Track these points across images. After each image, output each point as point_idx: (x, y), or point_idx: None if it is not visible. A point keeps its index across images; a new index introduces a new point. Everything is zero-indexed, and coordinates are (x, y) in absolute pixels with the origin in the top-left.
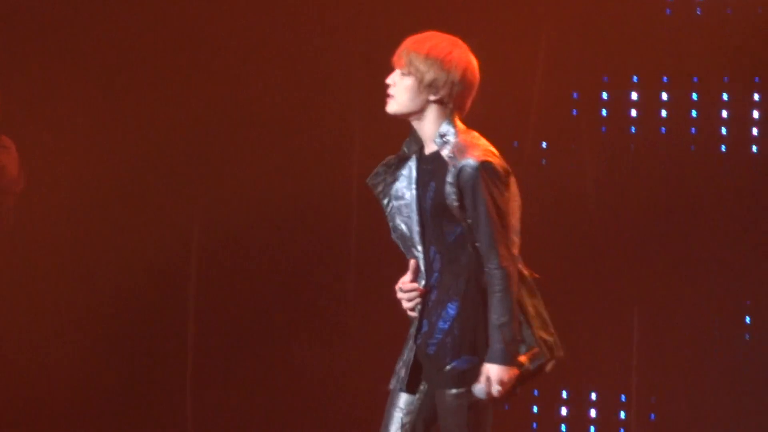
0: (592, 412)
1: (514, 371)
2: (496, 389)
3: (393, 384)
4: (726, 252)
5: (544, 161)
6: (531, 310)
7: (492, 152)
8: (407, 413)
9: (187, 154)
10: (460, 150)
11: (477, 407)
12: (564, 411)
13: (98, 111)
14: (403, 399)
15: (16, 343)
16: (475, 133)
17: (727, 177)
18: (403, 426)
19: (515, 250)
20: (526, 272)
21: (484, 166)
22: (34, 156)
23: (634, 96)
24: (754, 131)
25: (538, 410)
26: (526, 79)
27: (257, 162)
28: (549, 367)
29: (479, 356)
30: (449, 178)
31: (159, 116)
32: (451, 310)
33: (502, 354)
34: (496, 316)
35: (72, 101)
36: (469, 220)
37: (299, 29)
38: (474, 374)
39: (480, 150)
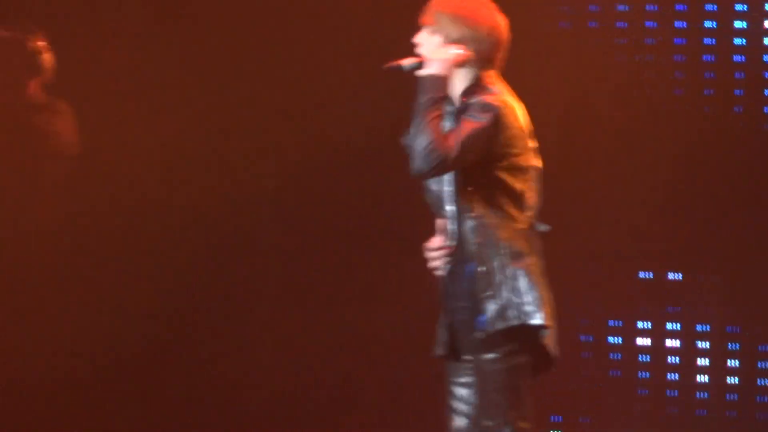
0: None
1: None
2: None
3: (437, 351)
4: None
5: None
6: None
7: (505, 102)
8: (462, 385)
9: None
10: (478, 94)
11: (513, 371)
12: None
13: (166, 74)
14: (454, 369)
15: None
16: (504, 89)
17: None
18: (461, 398)
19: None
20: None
21: (485, 105)
22: (97, 122)
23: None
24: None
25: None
26: None
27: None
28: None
29: (519, 319)
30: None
31: (226, 77)
32: (470, 269)
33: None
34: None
35: (136, 66)
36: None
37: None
38: (505, 337)
39: (493, 96)
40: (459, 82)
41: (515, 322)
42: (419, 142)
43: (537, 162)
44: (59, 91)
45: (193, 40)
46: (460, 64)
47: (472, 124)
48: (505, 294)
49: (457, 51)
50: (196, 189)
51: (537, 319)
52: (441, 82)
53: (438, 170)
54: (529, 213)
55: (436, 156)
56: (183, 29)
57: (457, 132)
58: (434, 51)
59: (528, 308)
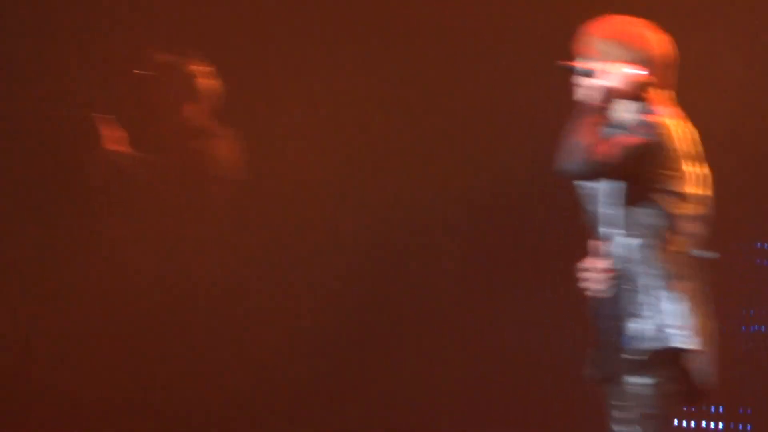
0: None
1: None
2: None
3: (589, 372)
4: None
5: None
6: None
7: (665, 124)
8: (619, 408)
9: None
10: (640, 113)
11: (661, 397)
12: None
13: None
14: (611, 392)
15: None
16: (669, 111)
17: None
18: (620, 421)
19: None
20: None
21: (644, 123)
22: (263, 145)
23: None
24: None
25: None
26: None
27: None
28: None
29: (661, 342)
30: None
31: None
32: (619, 289)
33: None
34: None
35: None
36: None
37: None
38: (653, 361)
39: (653, 116)
40: (624, 101)
41: (656, 345)
42: (573, 141)
43: (699, 188)
44: (223, 115)
45: (371, 58)
46: (634, 84)
47: (628, 138)
48: (648, 314)
49: (636, 71)
50: (364, 205)
51: (680, 343)
52: (612, 94)
53: (584, 173)
54: (686, 238)
55: (586, 158)
56: (357, 50)
57: (612, 142)
58: (613, 65)
59: (671, 331)
